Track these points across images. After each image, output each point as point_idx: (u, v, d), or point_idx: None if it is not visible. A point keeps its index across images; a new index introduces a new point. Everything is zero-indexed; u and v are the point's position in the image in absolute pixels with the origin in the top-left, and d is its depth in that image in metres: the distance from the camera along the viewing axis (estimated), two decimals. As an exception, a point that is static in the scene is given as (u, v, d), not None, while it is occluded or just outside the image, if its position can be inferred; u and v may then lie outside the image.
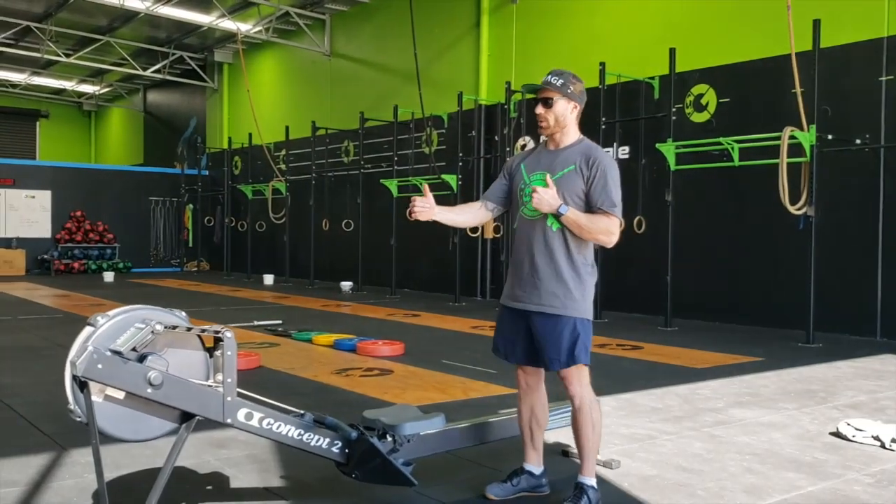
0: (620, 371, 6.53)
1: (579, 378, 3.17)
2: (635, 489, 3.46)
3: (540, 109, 3.21)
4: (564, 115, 3.21)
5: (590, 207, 3.15)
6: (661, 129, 10.16)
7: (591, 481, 3.20)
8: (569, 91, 3.19)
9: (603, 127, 10.40)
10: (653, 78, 10.61)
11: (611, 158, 3.24)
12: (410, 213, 3.29)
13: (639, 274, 10.70)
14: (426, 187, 3.30)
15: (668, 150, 9.54)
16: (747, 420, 4.77)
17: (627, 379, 6.11)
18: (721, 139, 9.22)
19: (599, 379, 6.07)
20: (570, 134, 3.27)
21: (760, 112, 9.53)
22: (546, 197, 3.08)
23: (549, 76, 3.21)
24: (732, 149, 9.16)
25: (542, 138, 3.37)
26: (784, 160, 8.09)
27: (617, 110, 10.87)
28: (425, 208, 3.22)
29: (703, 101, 10.16)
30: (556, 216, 3.10)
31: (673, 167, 9.56)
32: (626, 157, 10.91)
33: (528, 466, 3.39)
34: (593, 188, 3.14)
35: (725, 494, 3.41)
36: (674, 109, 9.76)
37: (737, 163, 9.17)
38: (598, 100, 10.38)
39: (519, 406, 3.41)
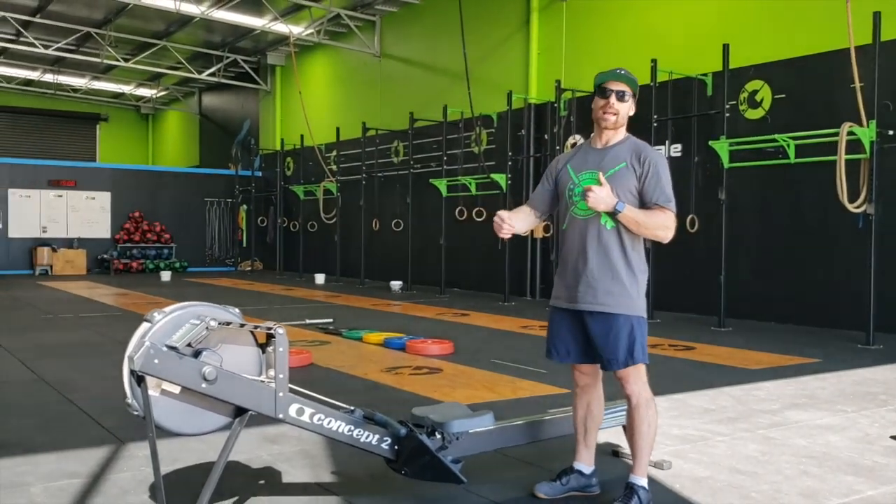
0: (672, 371, 6.44)
1: (637, 376, 3.16)
2: (686, 490, 3.41)
3: (613, 100, 3.17)
4: (627, 114, 3.21)
5: (643, 204, 3.14)
6: (714, 127, 9.98)
7: (642, 481, 3.17)
8: (637, 90, 3.21)
9: (655, 125, 10.27)
10: (706, 74, 10.44)
11: (661, 154, 3.22)
12: (499, 232, 3.24)
13: (691, 273, 10.53)
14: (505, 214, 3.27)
15: (722, 147, 9.37)
16: (803, 422, 4.66)
17: (679, 379, 6.03)
18: (776, 136, 9.03)
19: (650, 379, 5.99)
20: (621, 132, 3.26)
21: (817, 108, 9.30)
22: (602, 195, 3.04)
23: (625, 71, 3.20)
24: (788, 146, 8.97)
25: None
26: (842, 157, 7.89)
27: (669, 108, 10.72)
28: (513, 228, 3.24)
29: (758, 98, 9.95)
30: (613, 214, 3.07)
31: (726, 165, 9.40)
32: (679, 155, 10.75)
33: (578, 465, 3.37)
34: (647, 184, 3.12)
35: (780, 497, 3.35)
36: (727, 106, 9.59)
37: (793, 160, 8.98)
38: (650, 97, 10.25)
39: (574, 403, 3.38)
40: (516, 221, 3.28)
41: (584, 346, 3.22)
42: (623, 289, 3.12)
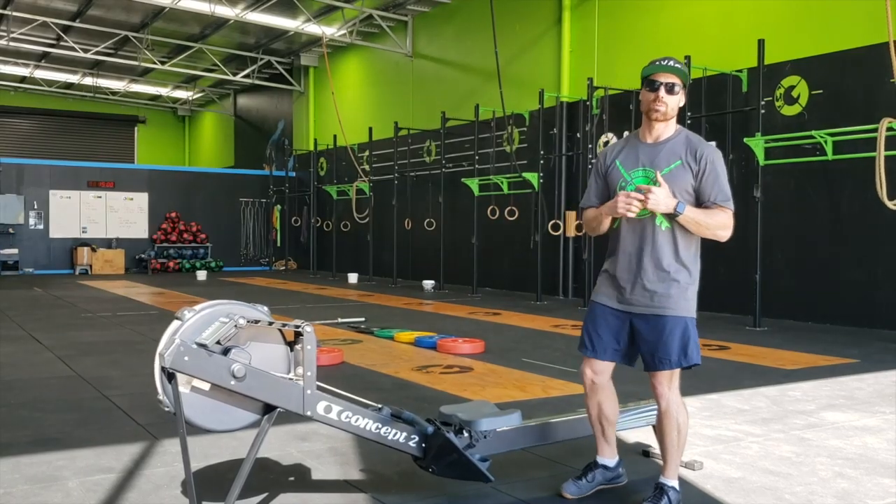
0: (706, 371, 6.35)
1: (670, 380, 3.10)
2: (719, 491, 3.37)
3: (663, 93, 3.03)
4: (677, 106, 3.09)
5: (699, 202, 3.06)
6: (749, 123, 9.85)
7: (672, 482, 3.13)
8: (687, 81, 3.10)
9: (689, 122, 10.16)
10: (741, 70, 10.30)
11: (717, 150, 3.12)
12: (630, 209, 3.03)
13: (726, 272, 10.39)
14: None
15: (757, 144, 9.24)
16: (840, 423, 4.58)
17: (713, 379, 5.95)
18: (813, 132, 8.89)
19: (683, 379, 5.92)
20: (672, 125, 3.13)
21: (855, 104, 9.12)
22: (661, 197, 2.94)
23: (673, 61, 3.04)
24: (825, 142, 8.82)
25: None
26: (881, 153, 7.73)
27: (703, 104, 10.59)
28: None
29: (795, 94, 9.79)
30: (673, 215, 2.99)
31: (762, 162, 9.26)
32: (713, 152, 10.60)
33: (601, 460, 3.34)
34: (704, 182, 3.04)
35: (814, 499, 3.29)
36: (763, 102, 9.45)
37: (830, 157, 8.83)
38: (684, 94, 10.13)
39: (587, 403, 3.32)
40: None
41: (626, 348, 3.18)
42: (679, 290, 3.08)
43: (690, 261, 3.11)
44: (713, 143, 3.18)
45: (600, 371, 3.24)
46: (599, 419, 3.31)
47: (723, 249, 10.29)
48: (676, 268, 3.08)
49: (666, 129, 3.11)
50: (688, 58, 10.16)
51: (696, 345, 3.09)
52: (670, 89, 3.04)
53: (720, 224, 3.03)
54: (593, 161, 11.85)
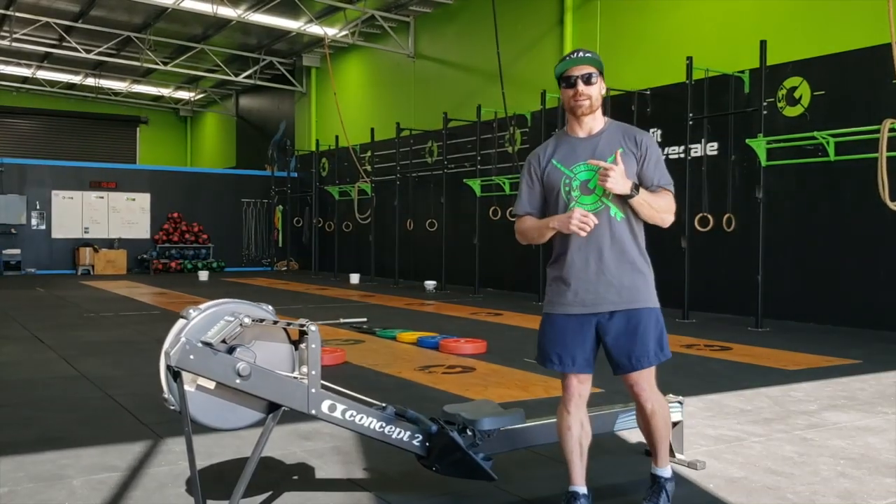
0: (708, 372, 6.37)
1: (650, 378, 2.98)
2: (721, 491, 3.38)
3: (581, 86, 2.92)
4: (600, 95, 2.98)
5: (644, 187, 2.95)
6: (751, 124, 9.85)
7: (666, 472, 3.13)
8: (602, 68, 2.97)
9: (690, 123, 10.17)
10: (743, 71, 10.30)
11: (651, 135, 3.09)
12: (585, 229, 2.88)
13: (728, 273, 10.40)
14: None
15: (759, 145, 9.25)
16: (842, 424, 4.58)
17: (715, 380, 5.96)
18: (815, 133, 8.89)
19: (686, 379, 5.97)
20: (599, 117, 3.02)
21: (858, 105, 9.12)
22: (619, 175, 2.80)
23: (582, 52, 2.95)
24: (828, 143, 8.83)
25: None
26: (883, 154, 7.73)
27: (705, 105, 10.60)
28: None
29: (797, 95, 9.80)
30: (629, 196, 2.86)
31: (764, 163, 9.27)
32: (715, 153, 10.63)
33: (581, 489, 3.02)
34: (646, 167, 2.96)
35: (817, 499, 3.30)
36: (765, 104, 9.45)
37: (832, 158, 8.84)
38: (686, 95, 10.15)
39: (567, 422, 3.01)
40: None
41: (592, 354, 2.99)
42: (645, 281, 2.97)
43: (644, 249, 3.02)
44: (697, 148, 3.18)
45: (585, 382, 3.02)
46: (581, 438, 3.02)
47: (724, 250, 10.38)
48: (639, 258, 2.98)
49: (595, 121, 3.01)
50: (690, 59, 10.18)
51: (666, 338, 2.99)
52: (587, 80, 2.93)
53: (667, 207, 2.96)
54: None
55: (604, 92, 3.02)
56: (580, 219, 2.82)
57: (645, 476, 3.47)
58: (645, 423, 3.10)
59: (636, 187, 2.87)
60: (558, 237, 3.00)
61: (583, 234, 2.85)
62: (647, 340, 2.92)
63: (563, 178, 2.98)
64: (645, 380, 2.96)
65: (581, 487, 3.02)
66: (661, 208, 2.94)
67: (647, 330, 2.93)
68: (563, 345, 2.98)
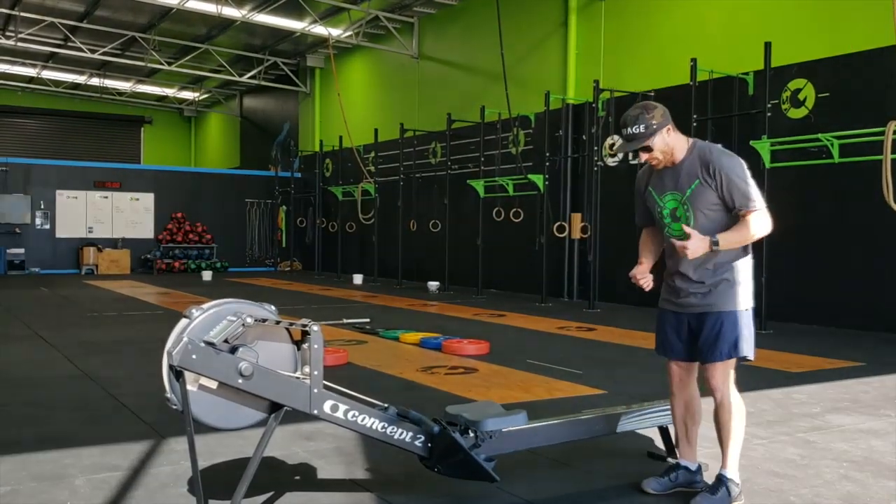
0: (711, 374, 6.35)
1: (724, 373, 3.21)
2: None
3: (644, 157, 3.20)
4: (667, 144, 3.19)
5: (729, 210, 3.17)
6: (755, 126, 9.84)
7: (730, 474, 3.23)
8: (654, 127, 3.14)
9: (694, 124, 10.15)
10: (747, 73, 10.29)
11: (728, 154, 3.20)
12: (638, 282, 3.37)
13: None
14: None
15: (763, 147, 9.24)
16: (845, 426, 4.57)
17: (718, 382, 5.94)
18: (820, 135, 8.88)
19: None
20: (680, 147, 3.23)
21: (862, 106, 9.11)
22: (694, 247, 3.06)
23: (630, 128, 3.15)
24: (832, 145, 8.81)
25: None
26: (888, 156, 7.71)
27: (709, 107, 10.58)
28: (648, 278, 3.36)
29: (801, 97, 9.78)
30: (714, 251, 3.11)
31: (768, 165, 9.25)
32: (719, 155, 10.60)
33: (683, 462, 3.43)
34: (725, 193, 3.14)
35: (820, 501, 3.29)
36: (769, 105, 9.44)
37: (837, 160, 8.82)
38: (690, 96, 10.14)
39: (672, 402, 3.47)
40: (647, 262, 3.42)
41: (687, 345, 3.32)
42: (725, 286, 3.19)
43: (733, 257, 3.21)
44: (719, 146, 3.21)
45: (686, 369, 3.38)
46: (684, 418, 3.43)
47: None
48: (719, 268, 3.20)
49: (678, 153, 3.23)
50: (694, 60, 10.17)
51: (747, 338, 3.20)
52: (647, 150, 3.17)
53: (755, 230, 3.12)
54: (596, 167, 11.84)
55: (669, 135, 3.17)
56: (634, 281, 3.35)
57: (647, 476, 3.47)
58: (714, 416, 3.31)
59: (714, 243, 3.08)
60: (668, 246, 3.36)
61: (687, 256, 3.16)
62: (721, 339, 3.18)
63: (656, 205, 3.33)
64: (718, 370, 3.21)
65: (683, 460, 3.44)
66: (746, 237, 3.14)
67: (724, 330, 3.19)
68: (664, 335, 3.40)
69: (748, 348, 3.20)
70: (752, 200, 3.11)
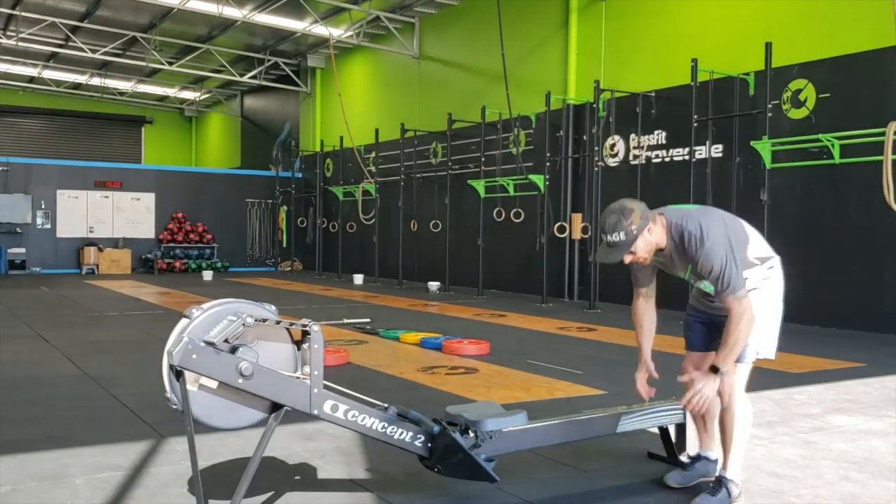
0: (711, 374, 6.35)
1: (733, 377, 3.19)
2: (723, 493, 3.36)
3: (628, 260, 3.14)
4: (649, 243, 3.10)
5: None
6: (756, 127, 9.84)
7: (731, 475, 3.23)
8: (635, 233, 3.03)
9: (695, 125, 10.16)
10: (748, 74, 10.29)
11: (703, 234, 3.05)
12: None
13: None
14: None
15: (764, 147, 9.24)
16: (846, 427, 4.57)
17: (718, 382, 5.94)
18: (820, 136, 8.88)
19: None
20: (662, 236, 3.14)
21: (863, 107, 9.11)
22: (706, 391, 3.06)
23: (610, 236, 3.04)
24: (832, 146, 8.81)
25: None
26: (889, 157, 7.72)
27: (710, 107, 10.58)
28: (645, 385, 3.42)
29: (802, 97, 9.78)
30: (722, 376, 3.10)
31: (769, 165, 9.26)
32: (720, 155, 10.62)
33: (704, 452, 3.50)
34: (710, 279, 3.09)
35: (820, 502, 3.29)
36: (770, 106, 9.45)
37: (837, 160, 8.82)
38: (690, 97, 10.14)
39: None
40: (646, 352, 3.43)
41: (706, 336, 3.40)
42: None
43: (750, 275, 3.23)
44: (695, 233, 3.07)
45: (698, 364, 3.37)
46: (701, 411, 3.38)
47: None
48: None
49: (661, 243, 3.15)
50: (695, 61, 10.17)
51: (759, 342, 3.21)
52: (629, 255, 3.10)
53: (741, 330, 3.03)
54: (597, 168, 11.84)
55: (650, 234, 3.09)
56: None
57: (646, 478, 3.48)
58: (720, 418, 3.29)
59: (717, 373, 3.06)
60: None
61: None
62: None
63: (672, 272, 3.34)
64: (726, 376, 3.16)
65: (703, 451, 3.51)
66: (740, 340, 3.04)
67: None
68: (689, 330, 3.49)
69: (764, 351, 3.23)
70: (731, 287, 3.02)
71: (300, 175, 22.19)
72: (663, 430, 3.78)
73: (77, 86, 26.49)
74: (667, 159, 11.56)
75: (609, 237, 3.05)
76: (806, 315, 9.59)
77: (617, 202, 3.13)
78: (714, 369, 3.06)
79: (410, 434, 3.13)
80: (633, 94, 11.80)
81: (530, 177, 12.82)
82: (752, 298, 3.15)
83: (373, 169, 17.79)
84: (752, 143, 9.47)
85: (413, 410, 3.24)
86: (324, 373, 2.94)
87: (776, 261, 3.41)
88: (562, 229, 12.62)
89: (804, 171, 9.50)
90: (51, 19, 18.37)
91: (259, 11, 17.37)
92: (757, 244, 3.31)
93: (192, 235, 21.70)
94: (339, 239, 19.03)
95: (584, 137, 12.80)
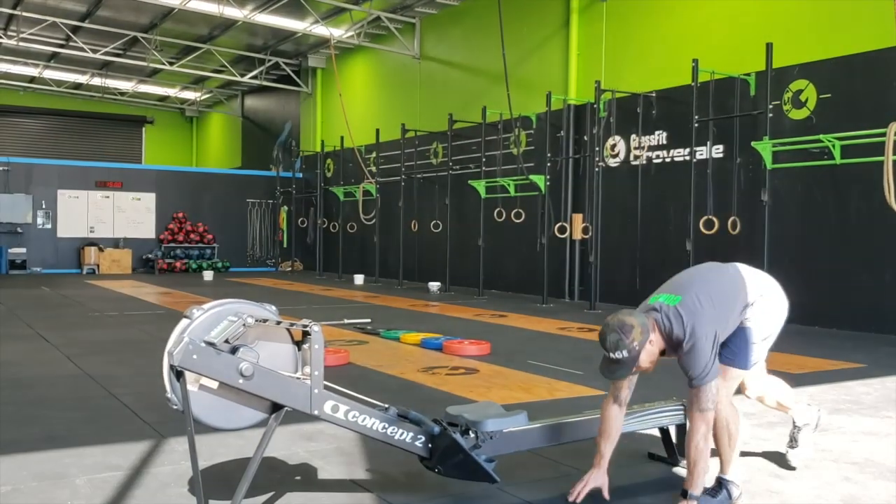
0: (712, 375, 6.35)
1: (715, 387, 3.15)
2: (724, 494, 3.36)
3: (634, 370, 3.09)
4: (651, 353, 3.07)
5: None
6: (756, 127, 9.84)
7: (730, 477, 3.23)
8: (637, 349, 3.00)
9: (696, 125, 10.16)
10: (748, 74, 10.28)
11: (690, 336, 3.04)
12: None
13: (733, 276, 10.36)
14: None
15: (765, 148, 9.24)
16: (846, 428, 4.57)
17: (719, 383, 5.94)
18: (821, 136, 8.88)
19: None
20: (661, 343, 3.12)
21: (864, 108, 9.10)
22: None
23: (613, 354, 3.01)
24: (833, 146, 8.81)
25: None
26: (889, 157, 7.72)
27: (710, 108, 10.58)
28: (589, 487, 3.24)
29: (803, 98, 9.78)
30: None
31: (769, 166, 9.26)
32: (720, 155, 10.62)
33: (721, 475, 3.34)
34: (688, 375, 3.08)
35: (821, 503, 3.28)
36: (771, 106, 9.44)
37: (838, 161, 8.81)
38: (691, 97, 10.14)
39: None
40: (606, 454, 3.28)
41: None
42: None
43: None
44: (679, 335, 3.07)
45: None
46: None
47: (729, 253, 10.29)
48: None
49: (662, 347, 3.12)
50: (696, 61, 10.17)
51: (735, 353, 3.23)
52: (629, 370, 3.05)
53: (700, 442, 3.02)
54: (598, 168, 11.83)
55: (653, 348, 3.06)
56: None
57: (647, 479, 3.47)
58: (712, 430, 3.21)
59: (688, 498, 3.02)
60: None
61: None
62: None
63: None
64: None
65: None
66: (700, 459, 3.02)
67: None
68: None
69: (724, 365, 3.19)
70: (699, 377, 3.02)
71: (301, 175, 22.19)
72: (664, 431, 3.79)
73: (78, 86, 26.50)
74: (667, 160, 11.56)
75: (612, 355, 3.02)
76: (806, 316, 9.58)
77: (615, 318, 3.06)
78: (684, 493, 3.02)
79: (411, 434, 3.13)
80: (633, 94, 11.80)
81: (531, 177, 12.82)
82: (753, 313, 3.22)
83: (373, 169, 17.79)
84: (752, 143, 9.46)
85: (413, 411, 3.24)
86: (324, 373, 2.94)
87: (771, 291, 3.45)
88: (562, 230, 12.61)
89: (805, 171, 9.49)
90: (51, 19, 18.37)
91: (260, 11, 17.37)
92: (753, 291, 3.31)
93: (192, 235, 21.70)
94: (340, 239, 19.03)
95: (585, 138, 12.80)
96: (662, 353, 3.14)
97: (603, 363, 3.08)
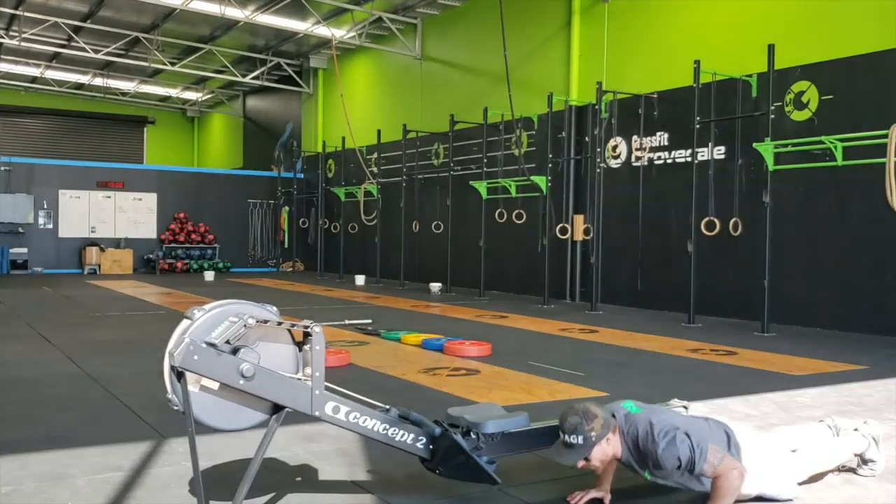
0: (713, 376, 6.35)
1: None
2: (725, 496, 3.35)
3: (581, 466, 3.06)
4: (605, 454, 3.07)
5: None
6: (758, 129, 9.83)
7: None
8: (593, 439, 3.00)
9: (697, 126, 10.15)
10: (750, 75, 10.28)
11: (654, 438, 3.03)
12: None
13: (735, 277, 10.37)
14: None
15: (767, 149, 9.22)
16: (848, 429, 4.55)
17: (720, 384, 5.94)
18: (823, 138, 8.86)
19: (691, 383, 5.95)
20: (618, 448, 3.12)
21: (866, 109, 9.09)
22: None
23: (568, 437, 3.00)
24: (835, 148, 8.79)
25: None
26: (891, 159, 7.70)
27: (712, 109, 10.57)
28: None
29: (804, 99, 9.77)
30: None
31: (771, 167, 9.24)
32: (722, 157, 10.61)
33: None
34: (681, 475, 3.09)
35: (822, 505, 3.28)
36: (772, 108, 9.43)
37: (840, 162, 8.80)
38: (693, 98, 10.13)
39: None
40: (606, 484, 3.27)
41: None
42: None
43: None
44: (641, 434, 3.07)
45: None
46: None
47: (731, 254, 10.34)
48: None
49: (618, 453, 3.13)
50: (697, 62, 10.15)
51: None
52: (583, 461, 3.04)
53: (731, 487, 3.02)
54: (599, 169, 11.83)
55: (609, 447, 3.07)
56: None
57: (647, 479, 3.45)
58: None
59: None
60: None
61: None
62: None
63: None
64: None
65: None
66: (729, 494, 3.03)
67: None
68: None
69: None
70: (708, 462, 3.02)
71: (302, 176, 22.20)
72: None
73: (79, 86, 26.53)
74: (669, 161, 11.55)
75: (567, 437, 3.02)
76: (808, 317, 9.58)
77: (582, 404, 3.08)
78: None
79: (412, 436, 3.12)
80: (635, 95, 11.79)
81: (532, 178, 12.81)
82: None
83: (375, 170, 17.79)
84: (754, 144, 9.45)
85: (414, 412, 3.23)
86: (325, 374, 2.93)
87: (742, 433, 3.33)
88: (564, 231, 12.61)
89: (807, 173, 9.48)
90: (53, 19, 18.39)
91: (261, 12, 17.38)
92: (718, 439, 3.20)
93: (193, 236, 21.70)
94: (341, 240, 19.03)
95: (587, 139, 12.79)
96: (618, 460, 3.15)
97: (556, 445, 3.10)
